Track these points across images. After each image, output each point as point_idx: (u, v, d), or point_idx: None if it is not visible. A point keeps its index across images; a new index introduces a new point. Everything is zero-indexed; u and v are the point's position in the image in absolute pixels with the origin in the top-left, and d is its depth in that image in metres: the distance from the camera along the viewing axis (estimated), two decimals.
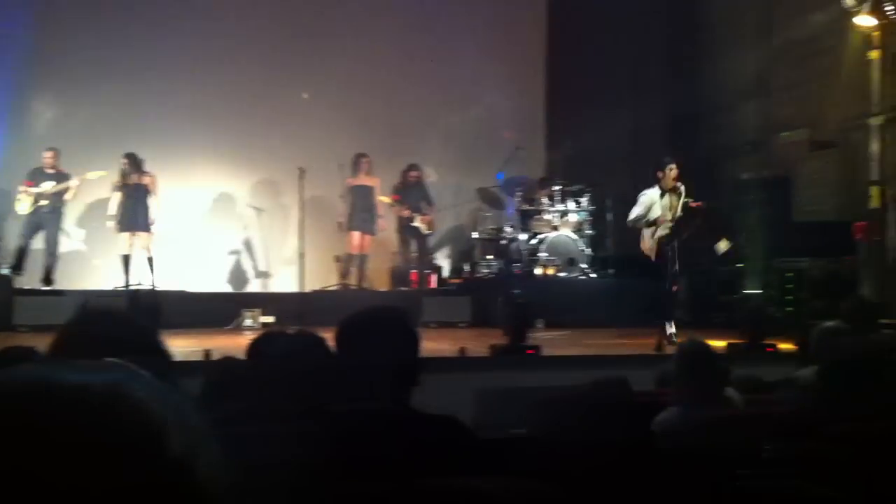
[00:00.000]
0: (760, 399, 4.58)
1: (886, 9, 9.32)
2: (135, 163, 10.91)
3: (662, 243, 8.88)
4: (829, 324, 5.20)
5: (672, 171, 8.85)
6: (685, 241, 9.03)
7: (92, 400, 0.71)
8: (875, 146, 9.78)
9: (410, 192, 12.16)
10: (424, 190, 12.34)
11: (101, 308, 2.53)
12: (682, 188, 8.94)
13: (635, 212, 8.97)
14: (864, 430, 3.38)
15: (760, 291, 10.63)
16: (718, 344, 7.23)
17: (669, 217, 8.86)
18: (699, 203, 9.06)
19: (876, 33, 9.62)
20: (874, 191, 9.74)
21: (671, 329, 8.61)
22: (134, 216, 10.86)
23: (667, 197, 8.85)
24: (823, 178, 11.03)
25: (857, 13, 9.62)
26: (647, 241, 8.97)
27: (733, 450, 3.66)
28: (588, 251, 11.90)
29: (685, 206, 8.91)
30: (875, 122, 9.81)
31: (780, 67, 11.98)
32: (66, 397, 0.71)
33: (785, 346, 7.59)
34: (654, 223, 8.85)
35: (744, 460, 3.62)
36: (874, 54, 9.72)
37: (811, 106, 11.40)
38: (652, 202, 8.86)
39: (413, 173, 12.19)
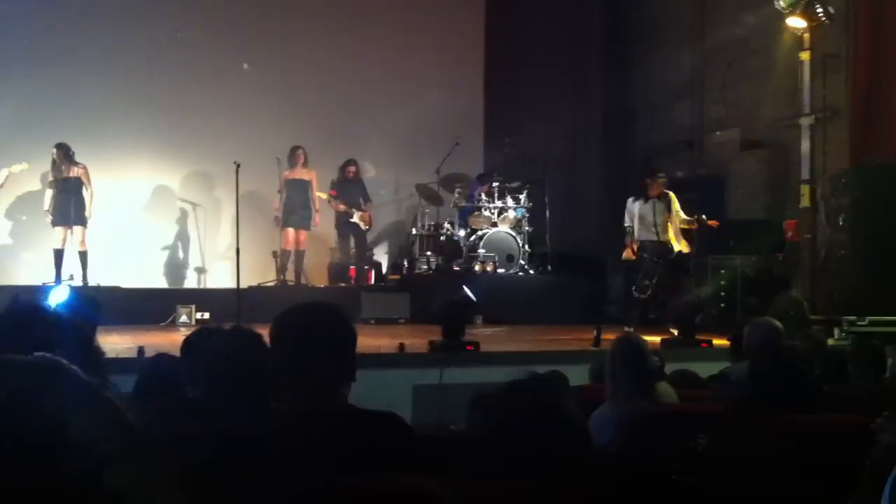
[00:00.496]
0: (695, 394, 4.65)
1: (817, 11, 9.51)
2: (66, 154, 10.66)
3: (641, 250, 9.74)
4: (761, 320, 5.30)
5: (659, 180, 9.80)
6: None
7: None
8: (806, 146, 9.99)
9: (348, 188, 12.11)
10: (362, 185, 12.30)
11: (33, 303, 2.47)
12: (671, 195, 9.76)
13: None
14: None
15: (696, 288, 10.78)
16: (653, 339, 7.34)
17: (653, 220, 9.66)
18: (715, 222, 9.84)
19: (806, 35, 9.83)
20: (805, 190, 9.95)
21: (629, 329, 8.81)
22: (68, 210, 10.61)
23: (650, 203, 9.69)
24: (756, 177, 11.23)
25: (788, 15, 9.81)
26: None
27: (667, 444, 3.71)
28: (526, 248, 11.96)
29: (701, 220, 9.73)
30: (805, 122, 10.01)
31: (713, 67, 12.17)
32: None
33: (719, 341, 7.73)
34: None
35: (678, 455, 3.67)
36: (804, 55, 9.92)
37: (744, 106, 11.61)
38: (630, 210, 9.85)
39: (351, 168, 12.13)
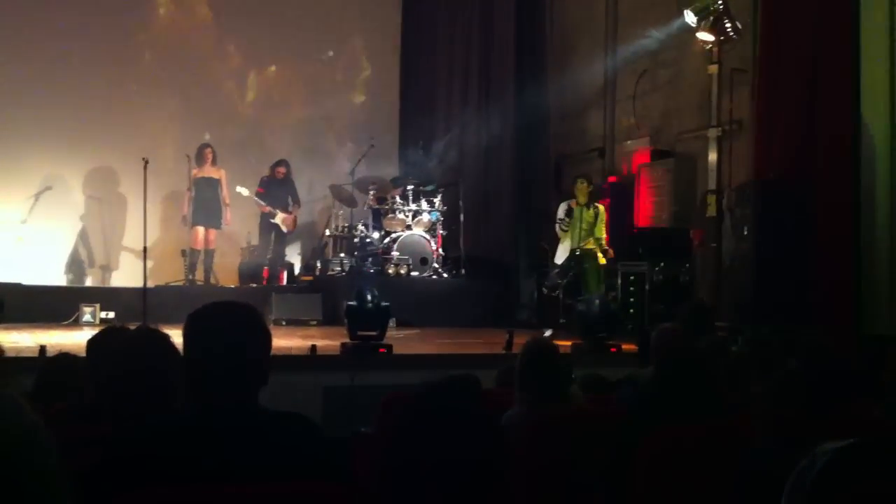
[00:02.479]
0: (603, 398, 4.73)
1: (726, 26, 9.77)
2: None
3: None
4: (667, 325, 5.40)
5: (581, 185, 10.18)
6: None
7: None
8: (713, 157, 10.24)
9: (276, 188, 12.01)
10: (292, 187, 12.21)
11: None
12: (599, 207, 10.17)
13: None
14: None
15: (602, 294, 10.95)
16: (563, 344, 7.43)
17: (577, 228, 9.97)
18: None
19: (715, 49, 10.08)
20: (711, 200, 10.19)
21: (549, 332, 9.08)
22: None
23: (575, 210, 10.04)
24: (664, 187, 11.47)
25: (698, 29, 10.05)
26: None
27: (576, 448, 3.77)
28: (440, 251, 11.99)
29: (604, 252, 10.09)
30: (713, 133, 10.26)
31: (624, 78, 12.39)
32: None
33: (627, 346, 7.87)
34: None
35: (583, 459, 3.72)
36: (713, 69, 10.18)
37: (653, 116, 11.85)
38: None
39: (280, 169, 12.05)
